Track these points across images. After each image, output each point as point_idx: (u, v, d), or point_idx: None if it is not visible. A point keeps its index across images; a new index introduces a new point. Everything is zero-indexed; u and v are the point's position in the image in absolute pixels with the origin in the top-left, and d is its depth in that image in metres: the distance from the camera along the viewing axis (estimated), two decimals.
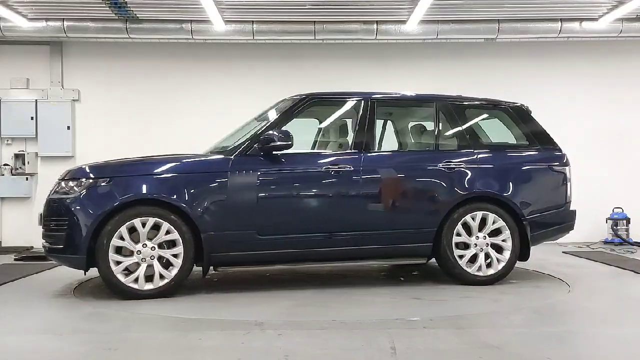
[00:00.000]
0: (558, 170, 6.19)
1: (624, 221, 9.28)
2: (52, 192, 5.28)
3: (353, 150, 5.67)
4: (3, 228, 9.38)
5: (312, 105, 5.80)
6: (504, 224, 5.79)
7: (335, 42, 9.20)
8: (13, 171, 9.26)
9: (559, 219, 6.15)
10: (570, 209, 6.19)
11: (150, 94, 9.47)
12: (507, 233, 5.80)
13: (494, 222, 5.79)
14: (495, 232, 5.82)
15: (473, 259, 5.75)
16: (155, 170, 5.23)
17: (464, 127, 6.09)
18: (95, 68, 9.48)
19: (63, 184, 5.21)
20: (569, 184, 6.20)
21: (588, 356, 3.60)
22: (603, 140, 9.69)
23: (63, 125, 9.31)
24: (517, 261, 5.90)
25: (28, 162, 9.22)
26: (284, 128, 5.45)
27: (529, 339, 3.89)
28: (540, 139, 6.27)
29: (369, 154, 5.68)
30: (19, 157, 9.24)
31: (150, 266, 5.04)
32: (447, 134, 6.11)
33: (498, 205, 5.83)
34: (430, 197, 5.74)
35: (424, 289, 5.58)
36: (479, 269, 5.72)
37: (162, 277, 5.04)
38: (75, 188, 5.07)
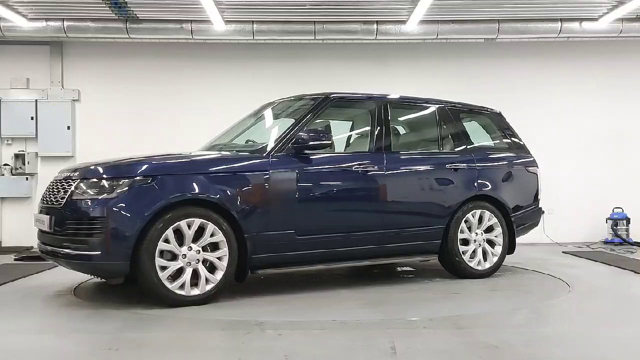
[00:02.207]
0: (532, 172, 6.84)
1: (624, 221, 9.29)
2: (71, 192, 4.70)
3: (376, 151, 5.78)
4: (3, 228, 9.39)
5: (333, 105, 5.82)
6: (496, 221, 6.30)
7: (335, 42, 9.21)
8: (13, 171, 9.27)
9: (533, 216, 6.81)
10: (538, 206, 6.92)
11: (150, 94, 9.48)
12: (499, 229, 6.30)
13: (489, 220, 6.26)
14: (488, 229, 6.29)
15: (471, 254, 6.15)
16: (200, 169, 4.91)
17: (461, 130, 6.48)
18: (95, 68, 9.50)
19: (91, 183, 4.69)
20: (539, 184, 6.87)
21: (588, 356, 3.59)
22: (603, 140, 9.71)
23: (63, 125, 9.32)
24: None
25: (28, 162, 9.23)
26: (313, 127, 5.48)
27: (529, 339, 3.89)
28: (516, 143, 6.91)
29: (390, 155, 5.81)
30: (19, 157, 9.25)
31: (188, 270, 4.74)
32: (448, 136, 6.41)
33: (492, 204, 6.31)
34: (442, 197, 6.04)
35: (424, 288, 5.60)
36: (478, 263, 6.14)
37: (206, 281, 4.79)
38: (112, 188, 4.60)
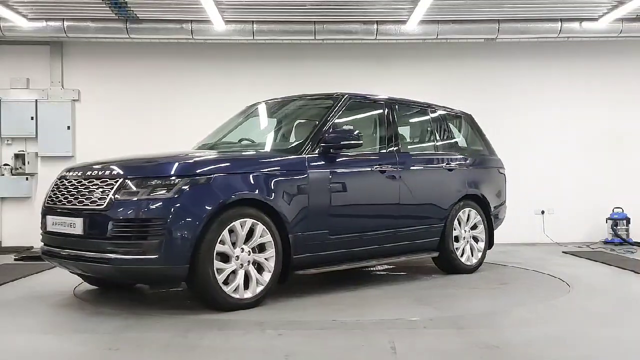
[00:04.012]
0: (502, 172, 7.29)
1: (624, 221, 9.28)
2: (115, 192, 4.37)
3: (388, 151, 5.89)
4: (3, 228, 9.39)
5: (351, 105, 5.81)
6: (480, 218, 6.68)
7: (336, 42, 9.20)
8: (13, 171, 9.27)
9: (502, 214, 7.22)
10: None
11: (150, 94, 9.48)
12: (481, 226, 6.70)
13: (474, 218, 6.62)
14: (473, 226, 6.64)
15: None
16: (251, 168, 4.78)
17: (450, 131, 6.80)
18: (95, 68, 9.50)
19: (142, 182, 4.38)
20: (506, 183, 7.35)
21: (588, 356, 3.59)
22: (603, 140, 9.70)
23: (63, 125, 9.33)
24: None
25: (28, 162, 9.23)
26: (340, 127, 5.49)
27: (529, 339, 3.89)
28: (488, 144, 7.28)
29: (401, 155, 5.96)
30: (19, 157, 9.25)
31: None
32: (441, 137, 6.70)
33: (477, 202, 6.67)
34: (443, 195, 6.29)
35: (421, 287, 5.60)
36: (468, 258, 6.48)
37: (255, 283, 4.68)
38: (169, 187, 4.33)
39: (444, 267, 6.41)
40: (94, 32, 8.60)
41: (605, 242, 9.33)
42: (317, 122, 5.42)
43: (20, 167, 9.23)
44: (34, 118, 9.29)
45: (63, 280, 5.90)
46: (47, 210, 4.87)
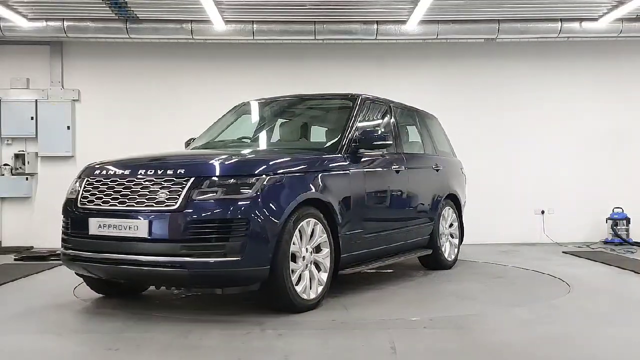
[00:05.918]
0: (464, 173, 7.57)
1: (624, 221, 9.28)
2: (189, 192, 4.11)
3: (397, 152, 5.98)
4: (3, 228, 9.38)
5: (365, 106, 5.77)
6: (454, 216, 6.98)
7: (336, 42, 9.20)
8: (13, 171, 9.27)
9: (463, 210, 7.45)
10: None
11: (150, 94, 9.48)
12: (456, 224, 7.01)
13: (451, 215, 6.93)
14: (450, 224, 6.93)
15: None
16: (313, 169, 4.74)
17: (431, 133, 7.01)
18: (95, 68, 9.50)
19: (219, 181, 4.16)
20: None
21: (588, 356, 3.59)
22: (603, 140, 9.70)
23: (63, 125, 9.33)
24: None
25: (28, 162, 9.23)
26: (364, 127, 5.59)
27: (529, 339, 3.90)
28: (451, 146, 7.52)
29: (405, 155, 6.11)
30: (19, 157, 9.26)
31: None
32: (425, 139, 6.90)
33: (453, 201, 6.97)
34: (435, 194, 6.53)
35: (419, 288, 5.59)
36: (449, 254, 6.76)
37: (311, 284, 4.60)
38: (248, 186, 4.19)
39: (430, 263, 6.61)
40: (94, 32, 8.60)
41: (605, 242, 9.32)
42: (346, 122, 5.39)
43: (20, 167, 9.23)
44: (34, 118, 9.29)
45: (63, 280, 5.91)
46: (88, 212, 4.41)
